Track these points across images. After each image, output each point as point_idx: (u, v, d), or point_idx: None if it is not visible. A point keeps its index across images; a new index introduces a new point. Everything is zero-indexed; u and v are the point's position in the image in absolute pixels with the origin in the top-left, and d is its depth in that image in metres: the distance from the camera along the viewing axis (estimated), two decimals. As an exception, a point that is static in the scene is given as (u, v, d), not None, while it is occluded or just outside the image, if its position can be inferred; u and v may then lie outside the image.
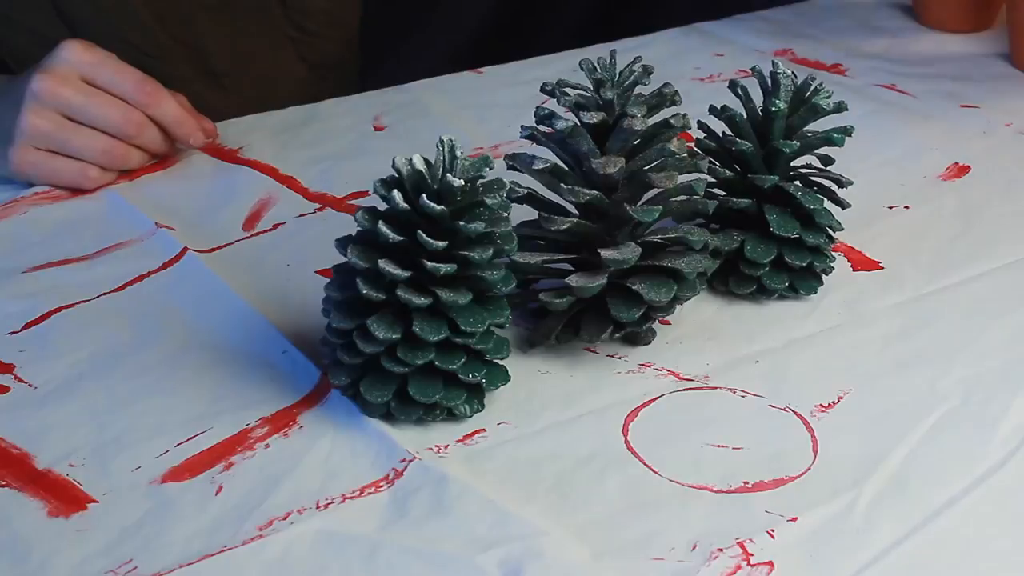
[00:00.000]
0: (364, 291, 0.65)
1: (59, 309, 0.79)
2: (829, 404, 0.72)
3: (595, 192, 0.72)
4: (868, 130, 1.02)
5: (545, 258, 0.74)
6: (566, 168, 0.75)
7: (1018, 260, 0.85)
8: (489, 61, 1.12)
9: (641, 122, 0.72)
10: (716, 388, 0.73)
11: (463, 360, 0.67)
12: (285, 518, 0.63)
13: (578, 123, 0.73)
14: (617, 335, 0.74)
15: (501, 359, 0.70)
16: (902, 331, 0.78)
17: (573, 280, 0.72)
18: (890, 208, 0.92)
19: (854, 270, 0.84)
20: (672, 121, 0.74)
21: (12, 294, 0.80)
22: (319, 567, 0.61)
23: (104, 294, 0.80)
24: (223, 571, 0.60)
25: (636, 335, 0.75)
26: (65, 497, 0.64)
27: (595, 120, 0.73)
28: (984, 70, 1.14)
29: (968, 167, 0.97)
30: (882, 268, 0.84)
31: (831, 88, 0.81)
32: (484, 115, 1.02)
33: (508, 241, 0.68)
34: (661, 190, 0.74)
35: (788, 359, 0.76)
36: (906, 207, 0.92)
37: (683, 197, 0.75)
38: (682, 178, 0.74)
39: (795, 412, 0.71)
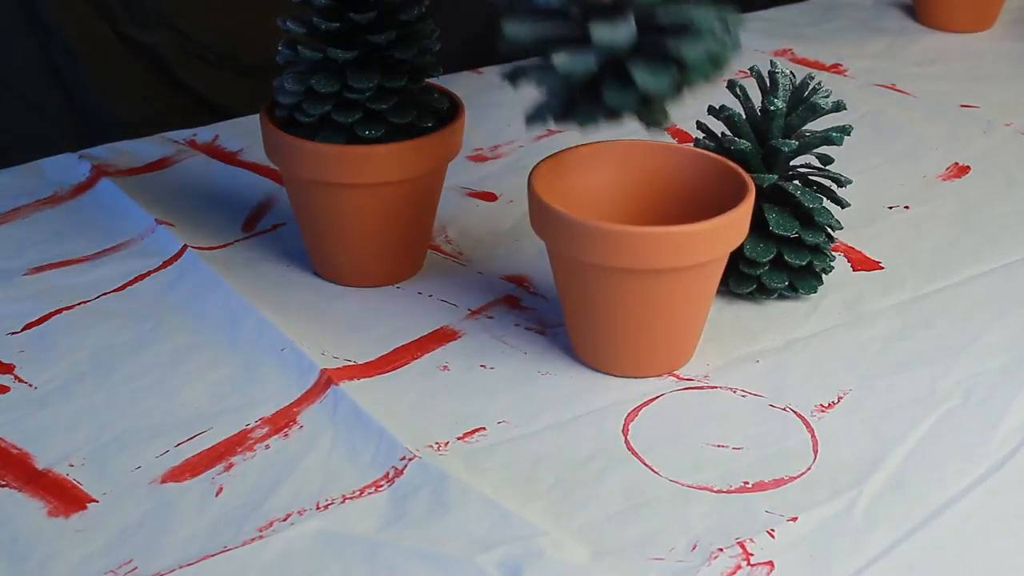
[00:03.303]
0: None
1: (60, 310, 0.79)
2: (829, 404, 0.72)
3: None
4: (868, 130, 1.02)
5: (538, 33, 0.66)
6: None
7: (1018, 260, 0.86)
8: (488, 61, 1.12)
9: None
10: (716, 388, 0.73)
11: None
12: (285, 519, 0.63)
13: None
14: (614, 120, 0.67)
15: None
16: (902, 331, 0.78)
17: (559, 60, 0.65)
18: (890, 208, 0.92)
19: (854, 270, 0.84)
20: None
21: (13, 295, 0.80)
22: (319, 567, 0.61)
23: (104, 294, 0.80)
24: (223, 571, 0.60)
25: (649, 117, 0.69)
26: (65, 497, 0.64)
27: None
28: (984, 70, 1.14)
29: (968, 167, 0.97)
30: (882, 268, 0.84)
31: (830, 88, 0.81)
32: (484, 115, 1.02)
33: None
34: None
35: (788, 359, 0.76)
36: (906, 207, 0.92)
37: None
38: None
39: (795, 412, 0.71)
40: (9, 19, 1.00)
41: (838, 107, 0.79)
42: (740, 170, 0.74)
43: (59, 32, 1.01)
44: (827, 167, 0.80)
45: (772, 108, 0.78)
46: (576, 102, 0.67)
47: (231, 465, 0.67)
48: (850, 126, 0.79)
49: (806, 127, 0.80)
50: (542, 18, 0.66)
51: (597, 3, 0.65)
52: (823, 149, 0.81)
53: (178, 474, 0.66)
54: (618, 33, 0.64)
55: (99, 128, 1.02)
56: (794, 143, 0.78)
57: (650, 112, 0.68)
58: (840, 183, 0.80)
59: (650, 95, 0.65)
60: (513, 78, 0.69)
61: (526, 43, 0.66)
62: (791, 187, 0.78)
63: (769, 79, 0.80)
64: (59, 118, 1.04)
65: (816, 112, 0.79)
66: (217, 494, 0.65)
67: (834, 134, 0.78)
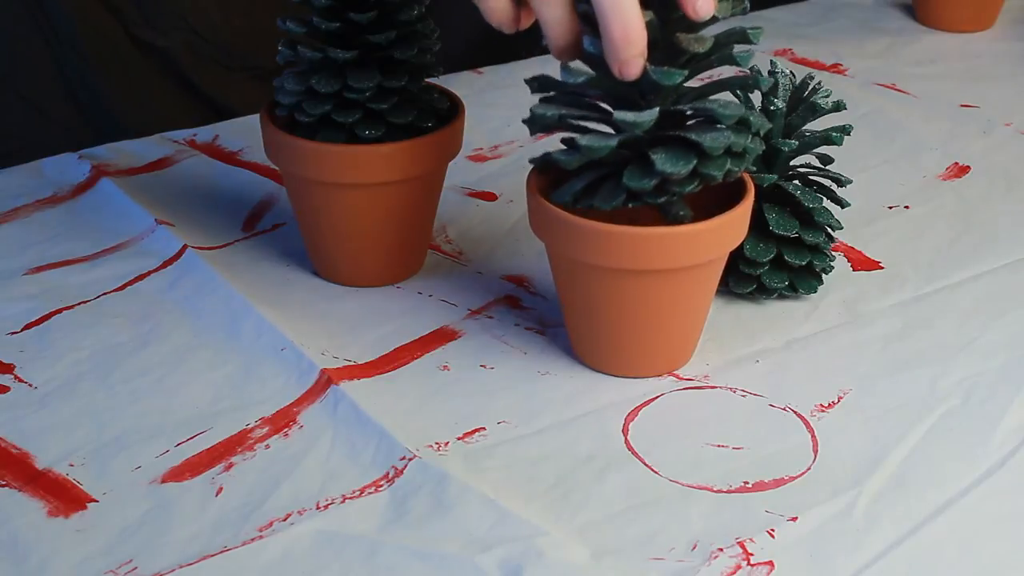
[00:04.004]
0: None
1: (59, 310, 0.79)
2: (829, 404, 0.72)
3: None
4: (868, 130, 1.02)
5: (564, 112, 0.69)
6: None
7: (1018, 260, 0.86)
8: (488, 62, 1.12)
9: None
10: (716, 388, 0.73)
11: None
12: (285, 519, 0.63)
13: None
14: (631, 204, 0.69)
15: None
16: (902, 331, 0.78)
17: (583, 139, 0.67)
18: (890, 208, 0.92)
19: (854, 270, 0.84)
20: None
21: (12, 295, 0.80)
22: (319, 567, 0.61)
23: (104, 294, 0.80)
24: (223, 572, 0.60)
25: (666, 209, 0.71)
26: (65, 497, 0.64)
27: None
28: (984, 70, 1.14)
29: (968, 167, 0.97)
30: (882, 268, 0.84)
31: (831, 88, 0.81)
32: (484, 115, 1.02)
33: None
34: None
35: (788, 359, 0.76)
36: (906, 207, 0.92)
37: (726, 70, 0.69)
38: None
39: (795, 412, 0.71)
40: (17, 20, 1.00)
41: (838, 107, 0.79)
42: None
43: (69, 33, 1.01)
44: (827, 167, 0.80)
45: (772, 108, 0.78)
46: (598, 186, 0.69)
47: (231, 465, 0.67)
48: (850, 126, 0.79)
49: (806, 127, 0.80)
50: (570, 99, 0.69)
51: (623, 92, 0.68)
52: (823, 149, 0.81)
53: (178, 474, 0.66)
54: (641, 116, 0.66)
55: (107, 132, 1.02)
56: (794, 143, 0.78)
57: (670, 204, 0.70)
58: (840, 183, 0.80)
59: (668, 178, 0.67)
60: (541, 166, 0.71)
61: (552, 122, 0.69)
62: (791, 187, 0.78)
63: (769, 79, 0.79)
64: (66, 120, 1.04)
65: (816, 112, 0.79)
66: (217, 494, 0.65)
67: (834, 134, 0.78)
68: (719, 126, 0.68)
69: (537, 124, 0.69)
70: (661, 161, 0.66)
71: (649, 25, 0.65)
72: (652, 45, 0.66)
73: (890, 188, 0.94)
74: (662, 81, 0.66)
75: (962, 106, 1.07)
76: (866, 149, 0.99)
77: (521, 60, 1.12)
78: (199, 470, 0.66)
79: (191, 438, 0.68)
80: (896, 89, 1.10)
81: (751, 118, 0.69)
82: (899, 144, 1.01)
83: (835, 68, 1.14)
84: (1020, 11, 1.26)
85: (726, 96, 0.70)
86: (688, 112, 0.69)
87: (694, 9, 0.65)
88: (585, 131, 0.69)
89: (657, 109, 0.66)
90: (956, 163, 0.98)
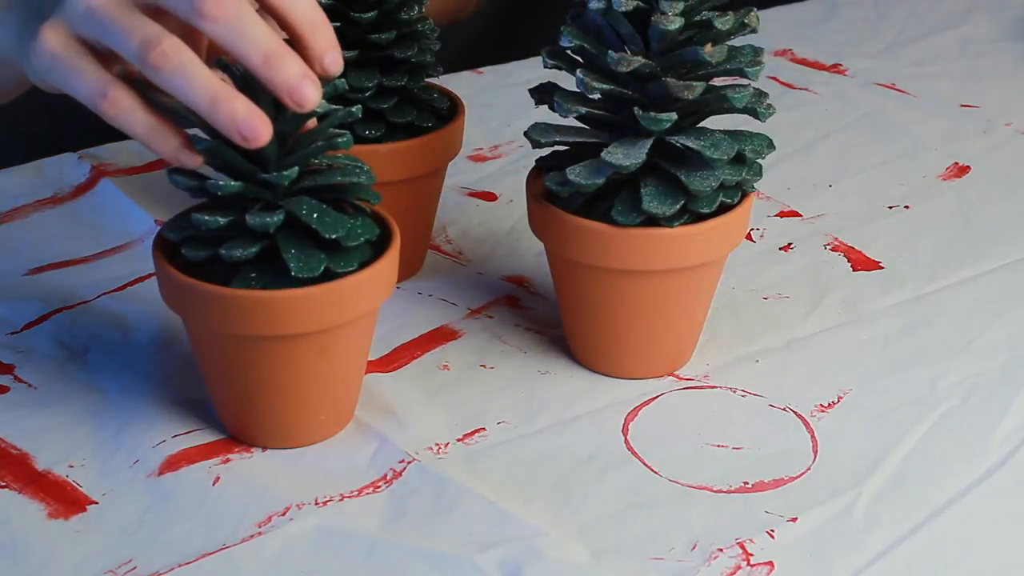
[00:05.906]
0: None
1: (59, 310, 0.79)
2: (829, 404, 0.72)
3: (609, 85, 0.67)
4: (868, 130, 1.02)
5: (557, 139, 0.70)
6: (593, 53, 0.68)
7: (1018, 260, 0.85)
8: (488, 62, 1.12)
9: (672, 20, 0.64)
10: (716, 388, 0.73)
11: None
12: (284, 513, 0.63)
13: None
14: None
15: None
16: (902, 331, 0.78)
17: (572, 174, 0.67)
18: (890, 208, 0.92)
19: (854, 270, 0.84)
20: (718, 23, 0.65)
21: (13, 295, 0.80)
22: (318, 565, 0.61)
23: (104, 294, 0.80)
24: (222, 569, 0.60)
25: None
26: (65, 500, 0.64)
27: (629, 7, 0.65)
28: (984, 70, 1.14)
29: (968, 167, 0.97)
30: (882, 268, 0.84)
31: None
32: (484, 115, 1.02)
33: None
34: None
35: (788, 359, 0.76)
36: (906, 207, 0.92)
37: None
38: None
39: (795, 412, 0.71)
40: None
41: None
42: None
43: None
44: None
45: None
46: (593, 206, 0.69)
47: (227, 460, 0.67)
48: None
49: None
50: (563, 126, 0.70)
51: (615, 122, 0.68)
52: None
53: (175, 464, 0.66)
54: (628, 156, 0.66)
55: (107, 132, 1.02)
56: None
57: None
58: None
59: (654, 217, 0.67)
60: (540, 170, 0.72)
61: (545, 146, 0.70)
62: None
63: None
64: (66, 120, 1.03)
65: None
66: (216, 492, 0.65)
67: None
68: (708, 165, 0.67)
69: (533, 144, 0.71)
70: (648, 199, 0.67)
71: (645, 67, 0.65)
72: (643, 89, 0.66)
73: (890, 188, 0.94)
74: (649, 127, 0.66)
75: (962, 106, 1.07)
76: (866, 149, 0.99)
77: (521, 60, 1.12)
78: (197, 462, 0.66)
79: (189, 432, 0.68)
80: (896, 89, 1.10)
81: (751, 145, 0.69)
82: (899, 144, 1.01)
83: (835, 68, 1.14)
84: (1021, 10, 1.26)
85: (720, 132, 0.68)
86: (679, 146, 0.67)
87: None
88: (578, 157, 0.69)
89: (648, 147, 0.66)
90: (956, 163, 0.98)
